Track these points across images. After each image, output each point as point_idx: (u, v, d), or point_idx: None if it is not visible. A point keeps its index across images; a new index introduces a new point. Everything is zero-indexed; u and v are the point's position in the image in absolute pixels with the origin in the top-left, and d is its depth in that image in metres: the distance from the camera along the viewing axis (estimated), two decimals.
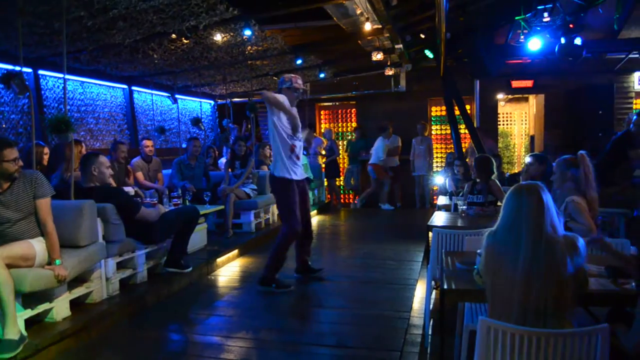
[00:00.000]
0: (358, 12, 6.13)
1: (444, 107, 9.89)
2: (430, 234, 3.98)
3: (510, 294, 2.02)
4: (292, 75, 4.70)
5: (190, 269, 4.80)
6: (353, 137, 10.81)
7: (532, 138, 11.24)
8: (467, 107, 8.87)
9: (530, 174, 4.39)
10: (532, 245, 2.01)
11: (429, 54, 8.68)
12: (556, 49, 7.25)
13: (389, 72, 9.21)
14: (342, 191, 11.45)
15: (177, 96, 9.39)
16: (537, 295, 1.97)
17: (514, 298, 2.01)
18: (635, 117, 5.09)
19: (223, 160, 8.79)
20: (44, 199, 3.42)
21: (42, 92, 6.73)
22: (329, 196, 10.80)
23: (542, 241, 2.00)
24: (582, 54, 7.21)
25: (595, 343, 1.83)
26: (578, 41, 7.19)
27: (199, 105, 10.91)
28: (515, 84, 9.92)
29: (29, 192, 3.38)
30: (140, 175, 6.65)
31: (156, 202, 5.35)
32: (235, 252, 6.01)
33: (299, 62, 8.00)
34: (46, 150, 5.25)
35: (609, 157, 5.07)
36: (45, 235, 3.40)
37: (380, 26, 6.75)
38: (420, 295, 4.37)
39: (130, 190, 5.37)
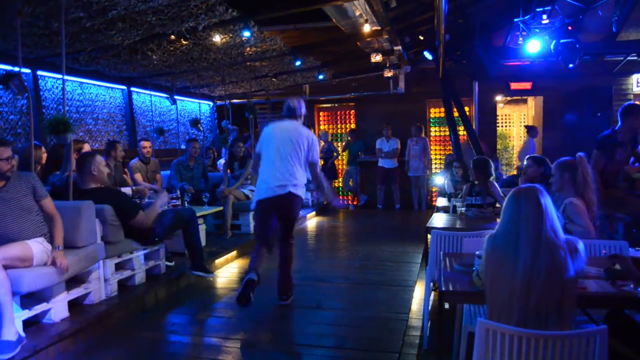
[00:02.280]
0: (357, 13, 6.14)
1: (442, 109, 9.91)
2: (429, 235, 3.98)
3: (510, 297, 2.02)
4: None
5: (214, 275, 4.88)
6: (347, 139, 10.77)
7: None
8: (466, 108, 8.88)
9: (528, 176, 4.39)
10: (532, 249, 2.01)
11: (427, 55, 8.69)
12: (552, 46, 7.29)
13: (388, 73, 9.22)
14: (340, 193, 11.44)
15: (176, 97, 9.38)
16: (537, 298, 1.97)
17: (514, 301, 2.01)
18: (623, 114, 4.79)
19: (222, 161, 8.79)
20: (47, 198, 3.54)
21: (41, 92, 6.72)
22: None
23: (541, 245, 2.00)
24: (575, 59, 7.27)
25: (594, 345, 1.83)
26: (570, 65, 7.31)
27: (198, 107, 10.90)
28: (514, 85, 9.93)
29: (25, 193, 3.39)
30: (139, 176, 6.64)
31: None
32: (234, 253, 6.01)
33: (298, 63, 8.01)
34: (43, 150, 5.24)
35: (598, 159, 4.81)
36: (56, 225, 3.51)
37: (379, 28, 6.76)
38: (418, 297, 4.37)
39: (127, 190, 5.37)
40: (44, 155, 5.17)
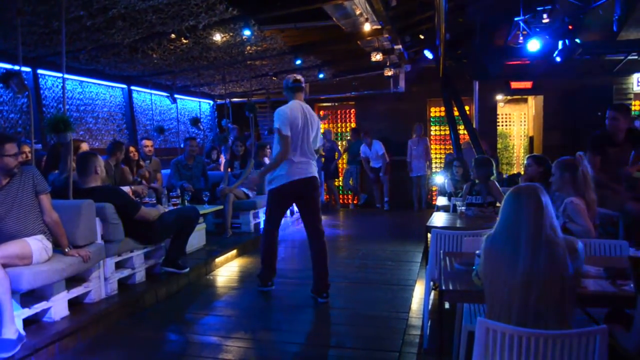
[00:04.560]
0: (357, 12, 6.13)
1: (443, 108, 9.91)
2: (429, 234, 3.98)
3: (510, 296, 2.01)
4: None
5: (187, 269, 4.79)
6: (351, 138, 10.78)
7: (531, 139, 11.25)
8: (466, 108, 8.88)
9: (528, 175, 4.39)
10: (532, 248, 2.00)
11: (428, 54, 8.68)
12: (555, 55, 7.31)
13: (388, 72, 9.21)
14: (340, 192, 11.45)
15: (176, 96, 9.38)
16: (537, 297, 1.97)
17: (514, 300, 2.00)
18: (608, 112, 4.69)
19: (222, 160, 8.80)
20: (47, 194, 3.50)
21: (41, 91, 6.73)
22: (327, 197, 10.80)
23: (541, 243, 2.00)
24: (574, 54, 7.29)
25: (594, 344, 1.83)
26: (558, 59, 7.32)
27: (198, 105, 10.91)
28: (514, 85, 9.92)
29: (27, 188, 3.39)
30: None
31: (154, 202, 5.35)
32: (234, 252, 6.01)
33: (298, 62, 8.01)
34: (28, 148, 5.22)
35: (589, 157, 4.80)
36: (55, 226, 3.48)
37: (379, 27, 6.76)
38: (418, 296, 4.37)
39: (126, 189, 5.36)
40: (26, 149, 5.15)
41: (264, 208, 7.33)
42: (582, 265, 2.15)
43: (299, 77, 4.55)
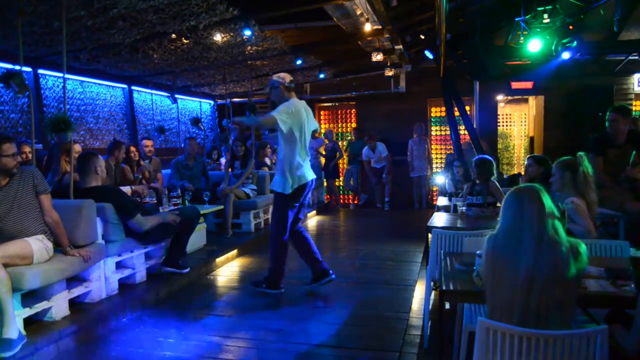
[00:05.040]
0: (358, 12, 6.13)
1: (443, 108, 9.91)
2: (430, 234, 3.98)
3: (512, 296, 2.01)
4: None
5: (188, 269, 4.79)
6: (352, 138, 10.79)
7: (531, 139, 11.25)
8: (467, 108, 8.88)
9: (529, 176, 4.39)
10: (534, 248, 2.00)
11: (428, 54, 8.68)
12: (559, 52, 7.31)
13: (389, 72, 9.21)
14: (341, 192, 11.44)
15: (176, 96, 9.39)
16: (539, 298, 1.97)
17: (515, 301, 2.00)
18: (608, 114, 4.77)
19: (222, 160, 8.80)
20: (47, 194, 3.51)
21: (42, 91, 6.73)
22: (327, 197, 10.80)
23: (543, 244, 2.00)
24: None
25: (594, 344, 1.83)
26: (566, 55, 7.33)
27: (199, 105, 10.91)
28: (515, 85, 9.92)
29: (27, 188, 3.40)
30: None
31: (155, 201, 5.34)
32: (235, 252, 6.01)
33: (298, 62, 8.01)
34: (28, 148, 5.22)
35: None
36: (55, 225, 3.49)
37: (380, 27, 6.76)
38: (419, 296, 4.37)
39: (126, 189, 5.36)
40: (27, 150, 5.16)
41: (265, 208, 7.40)
42: (586, 267, 2.15)
43: (290, 77, 4.70)
